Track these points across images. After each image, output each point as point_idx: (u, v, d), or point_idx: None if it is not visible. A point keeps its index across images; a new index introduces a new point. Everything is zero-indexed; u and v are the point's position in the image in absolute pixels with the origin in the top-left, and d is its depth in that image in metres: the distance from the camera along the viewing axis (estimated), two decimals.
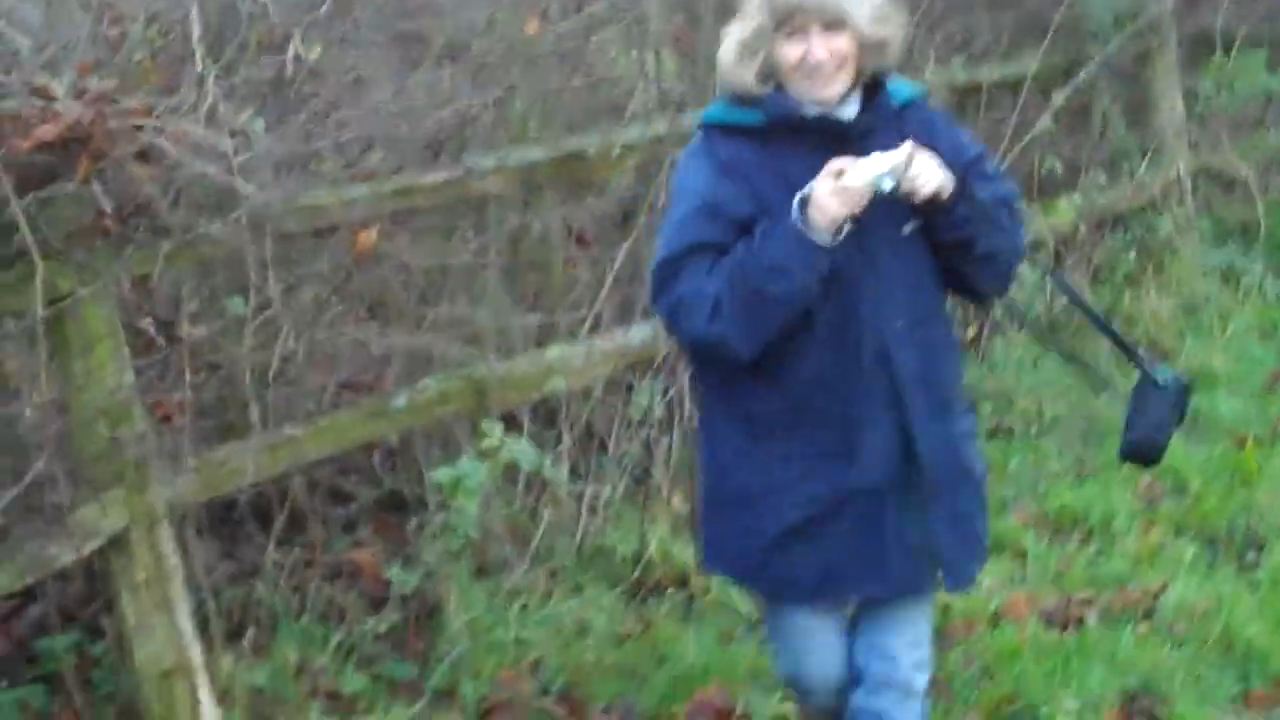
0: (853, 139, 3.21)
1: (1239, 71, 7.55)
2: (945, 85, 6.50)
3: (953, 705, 4.17)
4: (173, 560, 4.14)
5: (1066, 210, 6.98)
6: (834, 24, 3.16)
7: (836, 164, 3.11)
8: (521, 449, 4.61)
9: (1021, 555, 4.98)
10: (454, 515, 4.59)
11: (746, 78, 3.25)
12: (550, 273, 5.36)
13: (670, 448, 5.29)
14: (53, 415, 4.19)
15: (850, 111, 3.26)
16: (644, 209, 5.36)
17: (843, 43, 3.17)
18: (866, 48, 3.21)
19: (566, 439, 5.07)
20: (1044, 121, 6.80)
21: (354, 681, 4.41)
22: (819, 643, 3.54)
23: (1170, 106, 7.57)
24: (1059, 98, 6.89)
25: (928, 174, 3.13)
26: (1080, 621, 4.54)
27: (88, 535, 4.01)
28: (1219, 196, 7.87)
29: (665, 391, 5.28)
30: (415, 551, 4.71)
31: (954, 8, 6.75)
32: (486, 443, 4.55)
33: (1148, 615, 4.55)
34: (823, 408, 3.28)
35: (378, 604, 4.65)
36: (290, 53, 4.46)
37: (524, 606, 4.71)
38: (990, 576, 4.70)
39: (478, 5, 5.23)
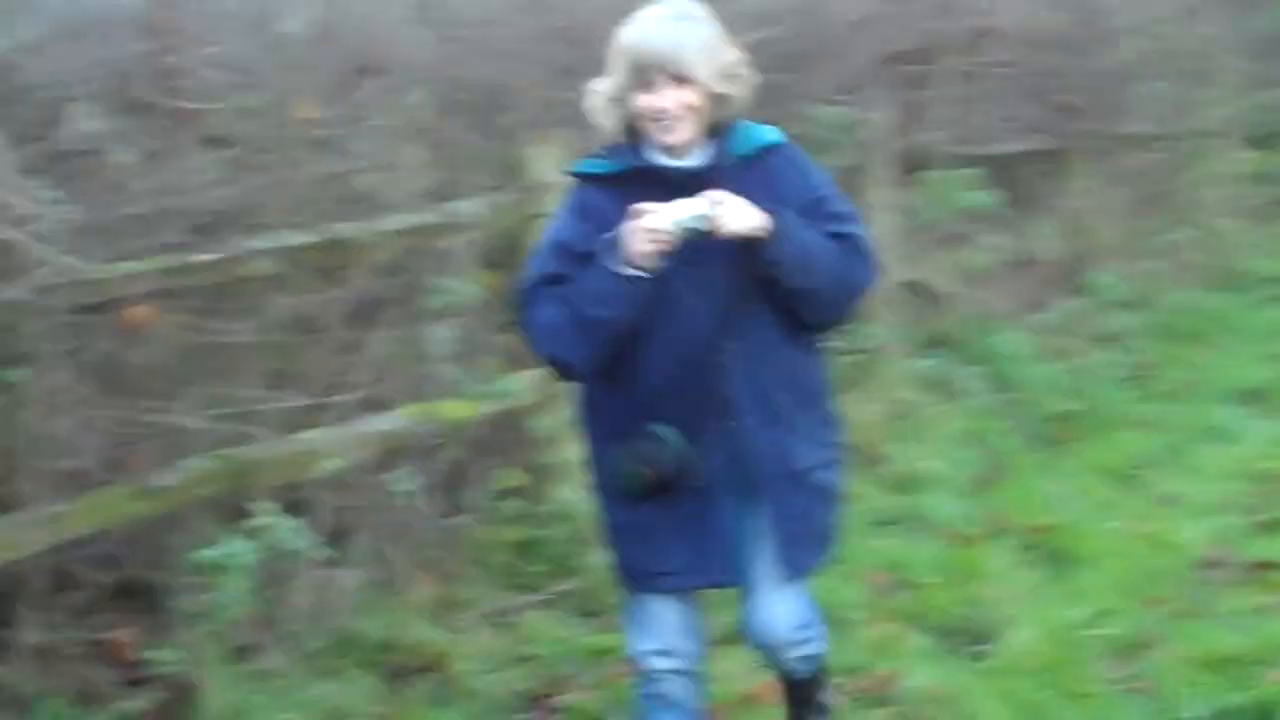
0: (699, 185, 3.59)
1: (947, 188, 7.95)
2: None
3: None
4: None
5: None
6: (681, 79, 3.56)
7: (641, 208, 3.51)
8: (289, 529, 4.65)
9: None
10: (216, 596, 4.59)
11: (609, 126, 3.69)
12: (316, 356, 5.38)
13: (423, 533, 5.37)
14: None
15: (698, 159, 3.67)
16: (410, 295, 5.46)
17: (688, 95, 3.57)
18: (713, 100, 3.61)
19: (317, 523, 5.08)
20: None
21: None
22: (658, 623, 3.94)
23: (884, 220, 7.94)
24: None
25: (734, 218, 3.52)
26: None
27: None
28: (925, 307, 8.25)
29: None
30: (169, 635, 4.69)
31: None
32: (258, 521, 4.57)
33: (887, 702, 4.76)
34: (660, 416, 3.69)
35: (132, 686, 4.62)
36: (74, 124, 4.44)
37: (279, 690, 4.71)
38: (736, 663, 4.90)
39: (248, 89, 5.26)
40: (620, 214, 3.57)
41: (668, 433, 3.68)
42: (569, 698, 4.88)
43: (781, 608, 3.92)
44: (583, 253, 3.64)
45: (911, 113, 8.11)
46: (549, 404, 5.86)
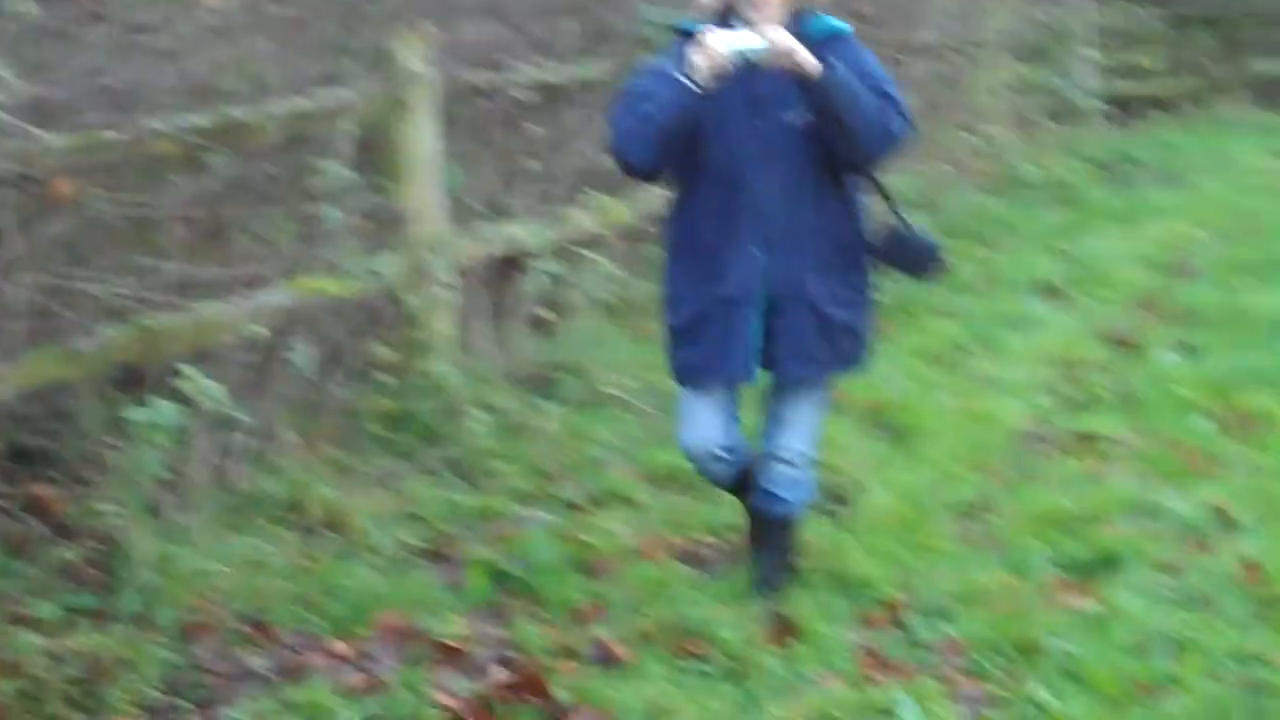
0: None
1: None
2: (534, 83, 7.15)
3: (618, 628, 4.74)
4: None
5: (613, 208, 7.58)
6: None
7: (706, 31, 4.30)
8: (211, 390, 4.95)
9: (638, 506, 5.62)
10: (139, 455, 4.88)
11: (708, 5, 4.52)
12: (213, 233, 5.65)
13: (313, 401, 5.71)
14: None
15: None
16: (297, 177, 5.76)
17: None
18: None
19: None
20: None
21: (44, 609, 4.63)
22: (699, 418, 4.72)
23: None
24: None
25: (786, 51, 4.25)
26: (700, 559, 5.21)
27: None
28: None
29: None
30: (94, 490, 4.97)
31: (538, 12, 7.36)
32: (186, 384, 4.86)
33: None
34: (709, 239, 4.53)
35: (61, 539, 4.89)
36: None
37: (201, 543, 5.01)
38: (617, 522, 5.36)
39: None
40: None
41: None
42: (468, 551, 5.26)
43: (789, 434, 4.74)
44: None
45: None
46: (420, 283, 6.20)
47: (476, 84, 6.93)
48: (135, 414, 4.87)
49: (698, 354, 4.62)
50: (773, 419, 4.78)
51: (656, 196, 7.74)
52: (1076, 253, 9.48)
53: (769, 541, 4.90)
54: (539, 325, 7.00)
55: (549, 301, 7.02)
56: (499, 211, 6.99)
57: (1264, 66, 15.93)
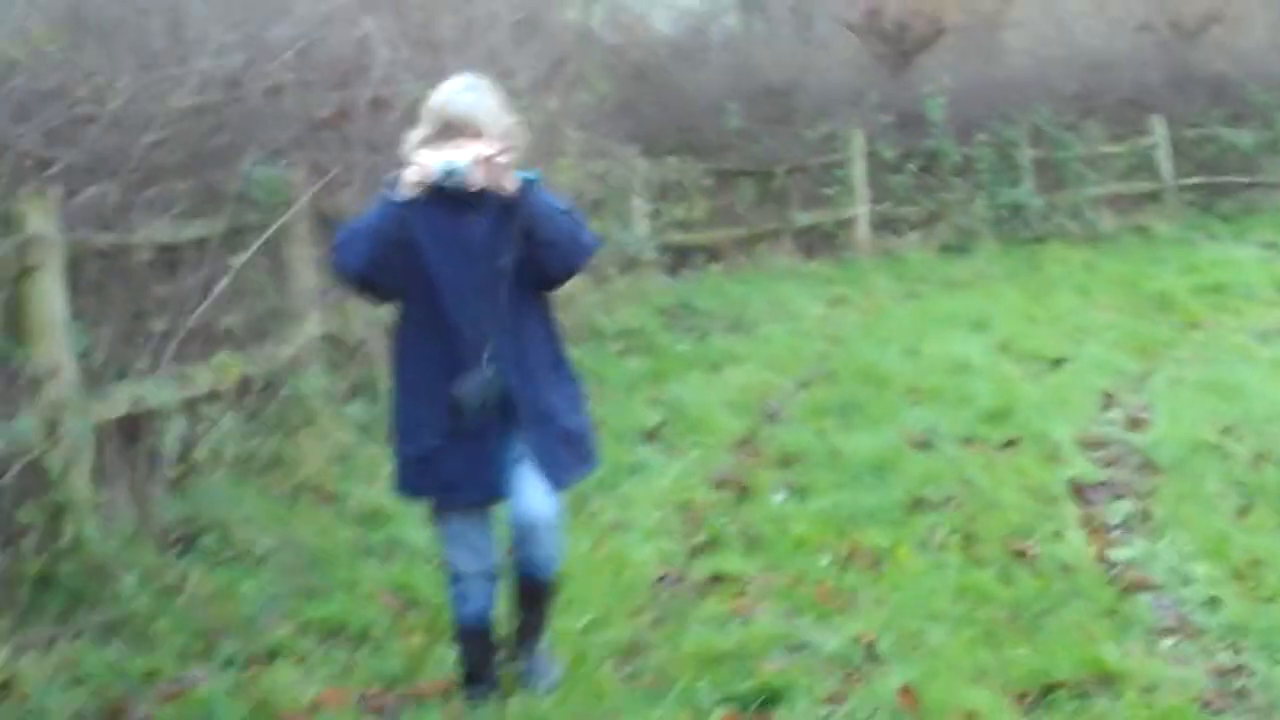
0: (477, 208, 4.86)
1: None
2: (152, 243, 7.14)
3: None
4: None
5: (232, 365, 7.63)
6: (473, 132, 4.81)
7: (421, 155, 4.79)
8: None
9: (306, 659, 5.64)
10: None
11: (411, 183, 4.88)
12: None
13: None
14: None
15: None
16: None
17: (481, 145, 4.78)
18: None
19: None
20: (224, 282, 7.52)
21: None
22: (467, 538, 5.12)
23: (303, 276, 8.49)
24: (239, 260, 7.62)
25: (487, 160, 4.73)
26: (383, 709, 5.29)
27: None
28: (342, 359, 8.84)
29: None
30: None
31: (152, 173, 7.36)
32: None
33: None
34: (439, 371, 4.94)
35: None
36: None
37: None
38: (290, 677, 5.41)
39: None
40: (420, 221, 4.86)
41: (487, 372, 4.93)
42: (142, 713, 5.19)
43: (542, 498, 5.02)
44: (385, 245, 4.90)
45: (322, 174, 8.69)
46: (56, 444, 6.10)
47: (99, 245, 6.87)
48: None
49: (449, 477, 5.01)
50: (527, 494, 5.05)
51: (270, 354, 7.90)
52: (668, 399, 9.89)
53: (538, 605, 5.31)
54: (172, 483, 6.93)
55: (180, 459, 6.97)
56: (125, 371, 6.91)
57: (805, 218, 16.91)
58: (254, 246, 7.74)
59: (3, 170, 6.37)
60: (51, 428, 6.12)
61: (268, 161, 8.11)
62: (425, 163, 4.78)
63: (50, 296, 6.24)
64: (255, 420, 7.56)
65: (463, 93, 4.93)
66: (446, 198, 4.84)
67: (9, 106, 6.52)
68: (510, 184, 4.79)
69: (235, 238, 7.79)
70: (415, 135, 4.95)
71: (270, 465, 7.43)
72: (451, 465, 5.00)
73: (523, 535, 5.06)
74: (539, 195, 4.87)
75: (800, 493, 7.81)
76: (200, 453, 7.09)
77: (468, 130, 4.82)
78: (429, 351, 5.00)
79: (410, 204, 4.82)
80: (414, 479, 5.11)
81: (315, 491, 7.52)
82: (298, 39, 8.77)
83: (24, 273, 6.14)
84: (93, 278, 6.81)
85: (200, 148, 7.79)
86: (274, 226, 7.97)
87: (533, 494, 5.01)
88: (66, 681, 5.35)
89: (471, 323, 4.93)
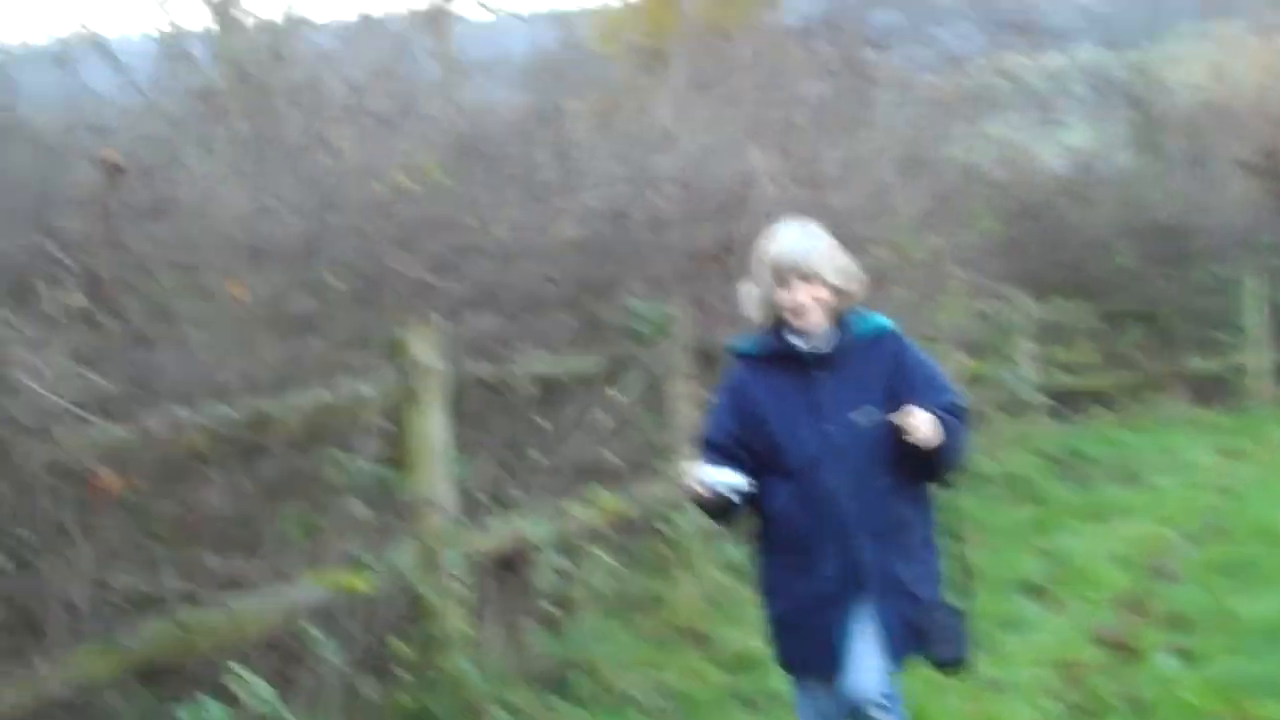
0: (828, 363, 4.59)
1: None
2: (533, 375, 7.09)
3: None
4: None
5: (609, 501, 7.52)
6: (810, 277, 4.55)
7: (691, 466, 4.57)
8: (261, 689, 4.73)
9: None
10: None
11: (758, 318, 4.68)
12: (242, 525, 5.47)
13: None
14: None
15: (826, 343, 4.61)
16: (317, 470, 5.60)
17: (817, 290, 4.56)
18: (835, 294, 4.59)
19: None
20: (602, 415, 7.42)
21: None
22: (807, 709, 4.81)
23: (684, 412, 8.34)
24: (619, 393, 7.52)
25: (915, 429, 4.40)
26: None
27: None
28: None
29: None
30: None
31: (534, 305, 7.33)
32: (232, 682, 4.64)
33: None
34: (795, 534, 4.61)
35: None
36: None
37: None
38: None
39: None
40: (762, 387, 4.63)
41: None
42: None
43: (873, 675, 4.62)
44: (732, 420, 4.66)
45: (706, 309, 8.56)
46: (434, 576, 6.02)
47: (481, 375, 6.83)
48: (185, 714, 4.64)
49: (794, 647, 4.73)
50: (860, 667, 4.69)
51: (646, 490, 7.76)
52: (1053, 551, 9.43)
53: None
54: (546, 620, 6.79)
55: (555, 596, 6.83)
56: (503, 503, 6.83)
57: (1198, 364, 16.22)
58: (633, 380, 7.61)
59: (389, 299, 6.38)
60: (429, 558, 6.04)
61: (650, 294, 8.01)
62: (698, 480, 4.50)
63: (433, 425, 6.20)
64: (629, 558, 7.39)
65: (796, 239, 4.66)
66: (800, 365, 4.63)
67: (397, 235, 6.52)
68: (930, 441, 4.45)
69: (615, 371, 7.69)
70: (750, 289, 4.73)
71: (643, 604, 7.23)
72: (800, 634, 4.71)
73: (854, 711, 4.71)
74: (947, 426, 4.49)
75: (1190, 657, 7.24)
76: (575, 590, 6.93)
77: (802, 276, 4.57)
78: (786, 513, 4.65)
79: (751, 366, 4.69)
80: (772, 638, 4.83)
81: (687, 633, 7.31)
82: (682, 171, 8.72)
83: (408, 401, 6.10)
84: (473, 408, 6.75)
85: (583, 279, 7.74)
86: (654, 360, 7.84)
87: (866, 671, 4.64)
88: None
89: (824, 484, 4.59)
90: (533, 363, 7.19)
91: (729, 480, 4.46)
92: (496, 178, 7.55)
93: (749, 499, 4.54)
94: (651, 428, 8.14)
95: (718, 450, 4.61)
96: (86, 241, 5.15)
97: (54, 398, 4.21)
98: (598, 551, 7.11)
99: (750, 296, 4.71)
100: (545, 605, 6.79)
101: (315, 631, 5.42)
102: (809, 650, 4.68)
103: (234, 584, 5.27)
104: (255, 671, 5.02)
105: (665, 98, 9.94)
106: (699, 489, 4.47)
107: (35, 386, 4.14)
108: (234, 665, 4.78)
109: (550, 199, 7.79)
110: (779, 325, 4.64)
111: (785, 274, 4.57)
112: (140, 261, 5.27)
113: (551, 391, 7.37)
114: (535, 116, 8.50)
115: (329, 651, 5.39)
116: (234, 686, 4.73)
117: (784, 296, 4.57)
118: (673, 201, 8.46)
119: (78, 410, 4.44)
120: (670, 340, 8.11)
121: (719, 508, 4.52)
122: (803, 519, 4.60)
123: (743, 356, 4.75)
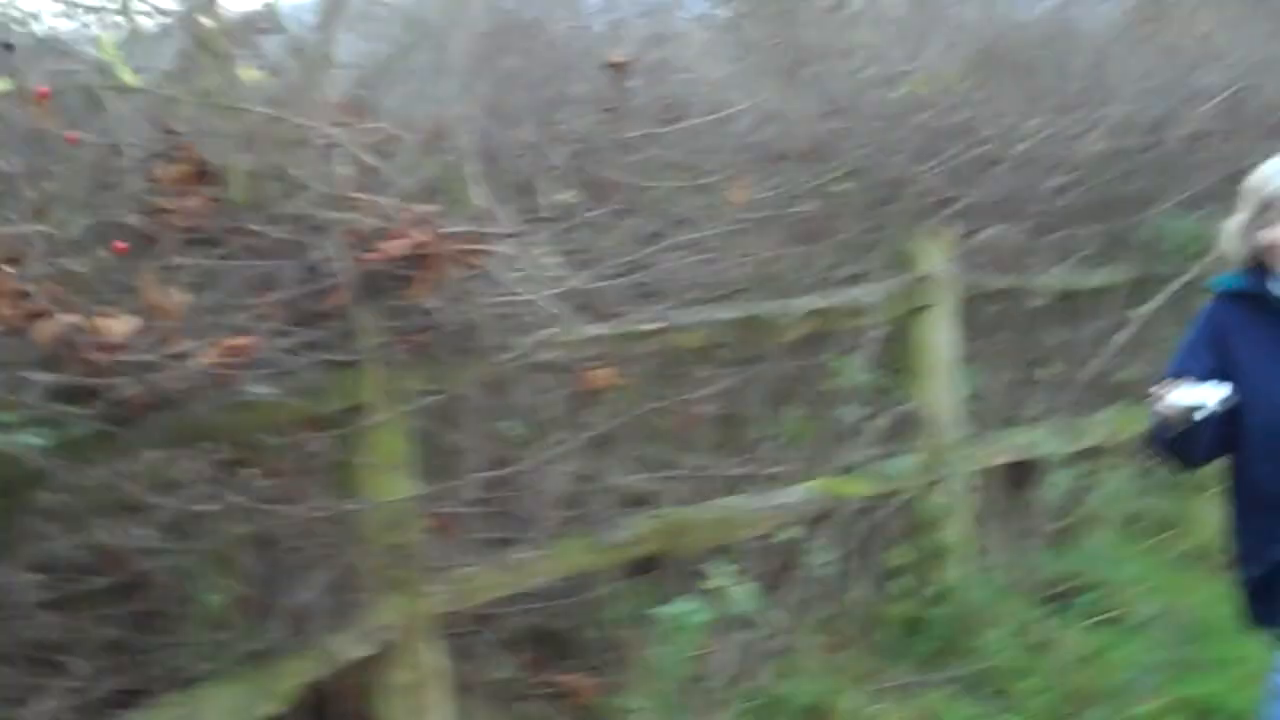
0: None
1: None
2: (1050, 289, 6.98)
3: None
4: (435, 667, 4.33)
5: (1126, 421, 7.26)
6: None
7: (1161, 388, 3.82)
8: (743, 590, 4.85)
9: None
10: (665, 652, 4.80)
11: (1236, 256, 4.00)
12: (737, 427, 5.61)
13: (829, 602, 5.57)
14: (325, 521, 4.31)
15: None
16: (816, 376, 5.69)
17: None
18: None
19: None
20: (1125, 334, 7.23)
21: None
22: None
23: None
24: (1142, 312, 7.31)
25: None
26: None
27: (370, 634, 4.20)
28: None
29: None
30: (620, 684, 4.90)
31: (1060, 221, 7.19)
32: (714, 582, 4.78)
33: None
34: (1266, 499, 3.99)
35: None
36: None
37: None
38: None
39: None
40: (1237, 332, 3.96)
41: None
42: None
43: None
44: (1204, 360, 3.97)
45: None
46: (935, 487, 6.03)
47: (993, 287, 6.75)
48: (665, 611, 4.80)
49: (1270, 612, 4.15)
50: None
51: None
52: None
53: None
54: (1051, 536, 6.70)
55: (1061, 513, 6.73)
56: (1011, 418, 6.76)
57: None
58: (1159, 299, 7.38)
59: (903, 207, 6.38)
60: (932, 469, 6.05)
61: (1181, 212, 7.74)
62: (1170, 402, 3.82)
63: (940, 336, 6.18)
64: (1145, 479, 7.19)
65: None
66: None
67: (914, 143, 6.50)
68: None
69: (1139, 289, 7.47)
70: (1233, 222, 4.05)
71: (1159, 527, 7.02)
72: (1268, 604, 4.14)
73: None
74: None
75: None
76: (1085, 508, 6.81)
77: None
78: (1257, 475, 4.07)
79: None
80: (1244, 604, 4.25)
81: (1205, 559, 7.04)
82: (1228, 86, 8.35)
83: (915, 310, 6.11)
84: (984, 321, 6.69)
85: (1108, 194, 7.53)
86: (1183, 279, 7.58)
87: None
88: None
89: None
90: (1051, 278, 7.07)
91: (1206, 396, 3.84)
92: (1022, 88, 7.40)
93: (1219, 439, 3.93)
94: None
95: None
96: (591, 141, 5.32)
97: (547, 294, 4.35)
98: (1109, 470, 6.94)
99: (1228, 231, 4.07)
100: (1052, 522, 6.70)
101: (806, 537, 5.51)
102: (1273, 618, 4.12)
103: (725, 485, 5.40)
104: (743, 574, 5.16)
105: (1212, 9, 9.51)
106: (1169, 411, 3.83)
107: (529, 284, 4.30)
108: (720, 566, 4.89)
109: (1080, 111, 7.58)
110: (1258, 267, 4.00)
111: (1270, 209, 3.92)
112: (646, 163, 5.40)
113: (1069, 308, 7.23)
114: (1064, 28, 8.29)
115: (820, 557, 5.46)
116: (719, 586, 4.84)
117: (1265, 235, 3.93)
118: (1213, 118, 8.10)
119: (571, 308, 4.59)
120: (1200, 259, 7.82)
121: (1184, 436, 3.87)
122: (1273, 480, 4.04)
123: (1222, 296, 4.14)
